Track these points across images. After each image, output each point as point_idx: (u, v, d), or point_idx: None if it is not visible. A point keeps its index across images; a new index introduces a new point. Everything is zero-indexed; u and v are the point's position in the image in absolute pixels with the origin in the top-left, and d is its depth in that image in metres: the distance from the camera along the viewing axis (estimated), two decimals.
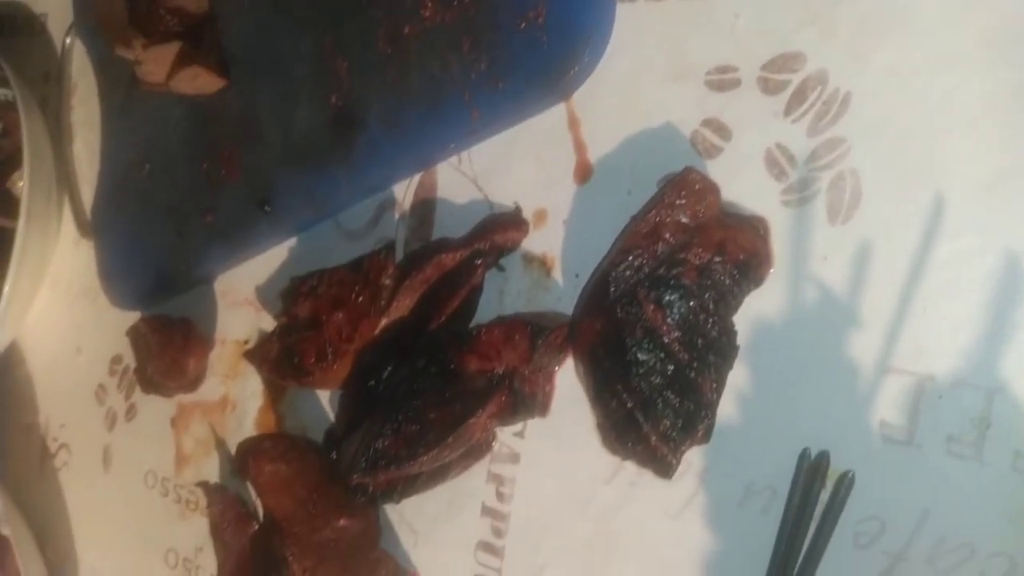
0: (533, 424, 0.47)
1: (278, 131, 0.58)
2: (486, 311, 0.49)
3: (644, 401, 0.39)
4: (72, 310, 0.74)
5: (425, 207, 0.53)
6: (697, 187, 0.40)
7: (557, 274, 0.47)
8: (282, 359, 0.53)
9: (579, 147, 0.47)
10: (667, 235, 0.40)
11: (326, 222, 0.57)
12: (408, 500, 0.49)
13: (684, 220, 0.41)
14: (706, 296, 0.40)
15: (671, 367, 0.39)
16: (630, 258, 0.41)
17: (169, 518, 0.63)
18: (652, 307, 0.40)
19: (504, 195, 0.49)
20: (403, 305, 0.49)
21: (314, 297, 0.52)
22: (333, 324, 0.50)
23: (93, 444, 0.70)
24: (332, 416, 0.56)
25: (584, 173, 0.46)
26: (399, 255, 0.53)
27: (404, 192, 0.54)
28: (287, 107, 0.57)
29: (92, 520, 0.70)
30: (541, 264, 0.47)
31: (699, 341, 0.40)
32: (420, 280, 0.49)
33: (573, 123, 0.47)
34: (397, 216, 0.54)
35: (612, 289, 0.41)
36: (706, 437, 0.40)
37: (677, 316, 0.40)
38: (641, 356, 0.39)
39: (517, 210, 0.48)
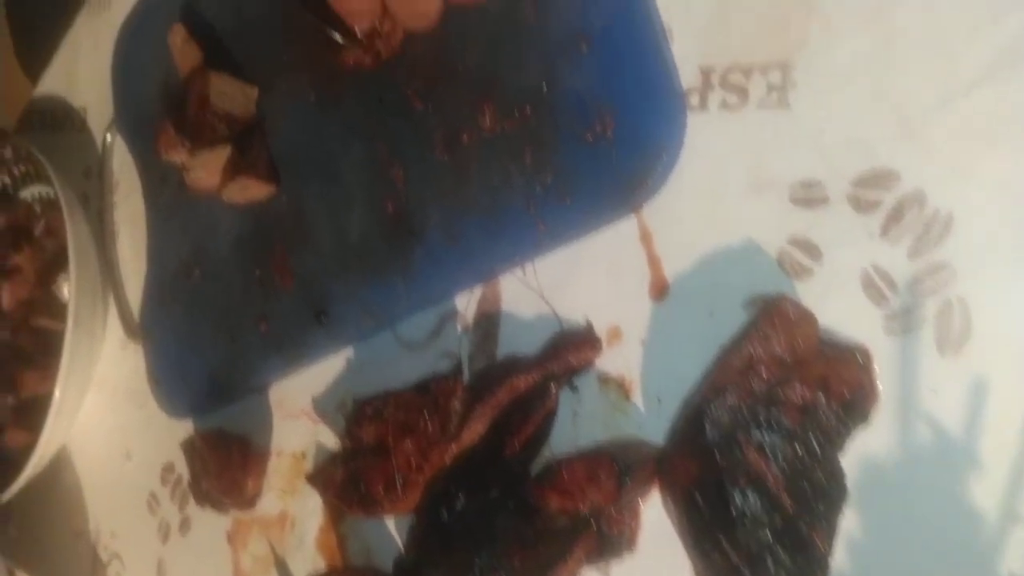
0: (619, 561, 0.45)
1: (332, 238, 0.57)
2: (560, 434, 0.47)
3: (752, 557, 0.37)
4: (120, 414, 0.73)
5: (489, 320, 0.51)
6: (793, 318, 0.39)
7: (637, 398, 0.45)
8: (347, 486, 0.51)
9: (653, 262, 0.45)
10: (763, 371, 0.39)
11: (385, 332, 0.56)
12: None
13: (780, 354, 0.39)
14: (810, 438, 0.38)
15: (779, 519, 0.37)
16: (725, 395, 0.39)
17: None
18: (754, 453, 0.38)
19: (573, 310, 0.48)
20: (474, 432, 0.48)
21: (379, 421, 0.51)
22: (401, 452, 0.49)
23: (147, 556, 0.69)
24: (398, 539, 0.54)
25: (660, 290, 0.45)
26: (463, 368, 0.52)
27: (466, 303, 0.52)
28: (340, 213, 0.57)
29: None
30: (619, 386, 0.46)
31: (806, 487, 0.38)
32: (492, 405, 0.47)
33: (645, 236, 0.45)
34: (460, 328, 0.53)
35: (708, 430, 0.39)
36: None
37: (782, 461, 0.38)
38: (746, 508, 0.38)
39: (589, 327, 0.47)
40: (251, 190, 0.60)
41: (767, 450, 0.38)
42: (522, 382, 0.47)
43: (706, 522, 0.39)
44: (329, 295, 0.57)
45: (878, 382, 0.38)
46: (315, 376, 0.59)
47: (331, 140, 0.58)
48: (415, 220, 0.53)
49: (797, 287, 0.41)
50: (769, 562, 0.37)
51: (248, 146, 0.61)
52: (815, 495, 0.38)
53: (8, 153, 0.79)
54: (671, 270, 0.45)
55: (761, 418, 0.38)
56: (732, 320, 0.42)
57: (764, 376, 0.39)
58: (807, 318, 0.39)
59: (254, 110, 0.62)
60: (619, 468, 0.42)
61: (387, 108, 0.55)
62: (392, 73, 0.55)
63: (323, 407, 0.59)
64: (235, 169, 0.59)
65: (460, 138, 0.51)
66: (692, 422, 0.40)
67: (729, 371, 0.39)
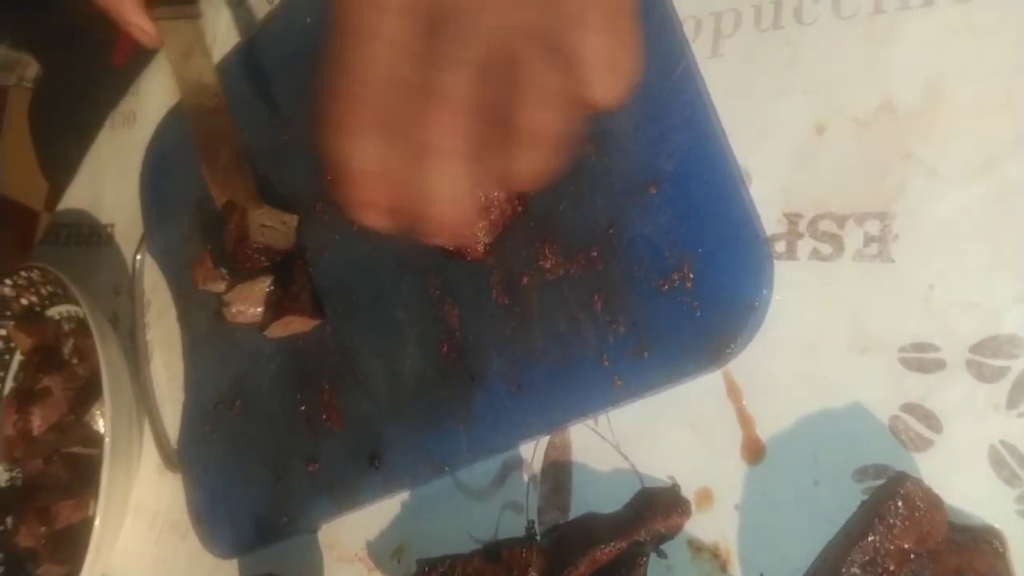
0: None
1: (383, 377, 0.52)
2: None
3: None
4: (159, 545, 0.68)
5: (559, 471, 0.47)
6: (920, 505, 0.34)
7: (735, 570, 0.40)
8: None
9: (744, 421, 0.40)
10: (891, 566, 0.34)
11: (444, 477, 0.51)
12: None
13: (907, 545, 0.34)
14: None
15: None
16: None
17: None
18: None
19: (654, 466, 0.43)
20: None
21: None
22: None
23: None
24: None
25: (755, 452, 0.40)
26: (535, 527, 0.47)
27: (532, 450, 0.48)
28: (391, 352, 0.52)
29: None
30: (713, 556, 0.41)
31: None
32: None
33: (733, 392, 0.41)
34: (526, 478, 0.48)
35: None
36: None
37: None
38: None
39: (675, 488, 0.42)
40: (294, 325, 0.56)
41: None
42: (605, 555, 0.42)
43: None
44: (383, 438, 0.52)
45: (1015, 569, 0.33)
46: (368, 518, 0.54)
47: (379, 272, 0.53)
48: (474, 364, 0.48)
49: (916, 459, 0.36)
50: None
51: (290, 278, 0.56)
52: None
53: (35, 274, 0.74)
54: (766, 430, 0.40)
55: None
56: (841, 491, 0.37)
57: (891, 571, 0.34)
58: (935, 504, 0.34)
59: (295, 239, 0.58)
60: None
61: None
62: None
63: (378, 553, 0.54)
64: (278, 308, 0.55)
65: (520, 280, 0.47)
66: None
67: (853, 565, 0.34)
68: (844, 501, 0.37)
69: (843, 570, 0.34)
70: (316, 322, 0.56)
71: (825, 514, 0.37)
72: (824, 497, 0.38)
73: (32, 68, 1.04)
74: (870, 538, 0.34)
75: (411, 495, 0.53)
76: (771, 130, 0.40)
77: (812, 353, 0.39)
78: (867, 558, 0.34)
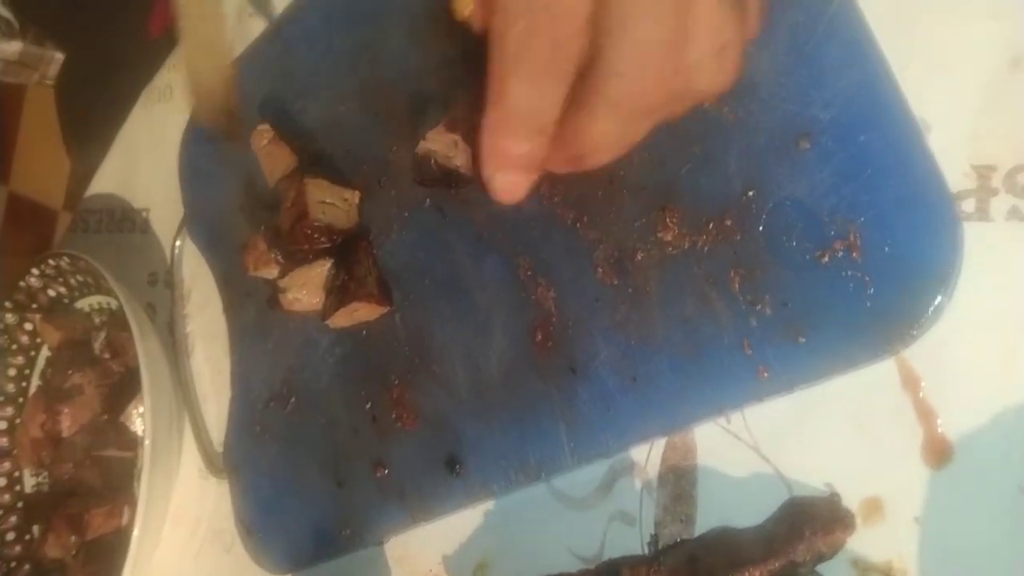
0: None
1: (464, 371, 0.45)
2: None
3: None
4: (201, 558, 0.61)
5: (681, 478, 0.39)
6: None
7: None
8: None
9: (924, 416, 0.33)
10: None
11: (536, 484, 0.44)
12: None
13: None
14: None
15: None
16: None
17: None
18: None
19: (805, 471, 0.36)
20: None
21: None
22: None
23: None
24: None
25: (939, 454, 0.33)
26: (648, 530, 0.40)
27: (647, 452, 0.40)
28: (472, 341, 0.45)
29: None
30: None
31: None
32: None
33: (910, 382, 0.34)
34: (639, 485, 0.40)
35: None
36: None
37: None
38: None
39: (835, 499, 0.35)
40: (360, 312, 0.48)
41: None
42: None
43: None
44: (464, 440, 0.45)
45: None
46: (445, 530, 0.47)
47: (456, 252, 0.46)
48: (576, 354, 0.41)
49: None
50: None
51: (354, 260, 0.49)
52: None
53: (64, 263, 0.67)
54: (952, 427, 0.33)
55: None
56: None
57: None
58: None
59: (357, 218, 0.50)
60: None
61: (527, 217, 0.43)
62: None
63: (457, 570, 0.47)
64: (342, 294, 0.47)
65: (632, 256, 0.39)
66: None
67: None
68: None
69: None
70: (384, 309, 0.48)
71: None
72: None
73: (55, 65, 0.97)
74: None
75: (497, 503, 0.45)
76: (952, 67, 0.33)
77: (1011, 333, 0.32)
78: None
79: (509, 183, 0.31)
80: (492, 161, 0.31)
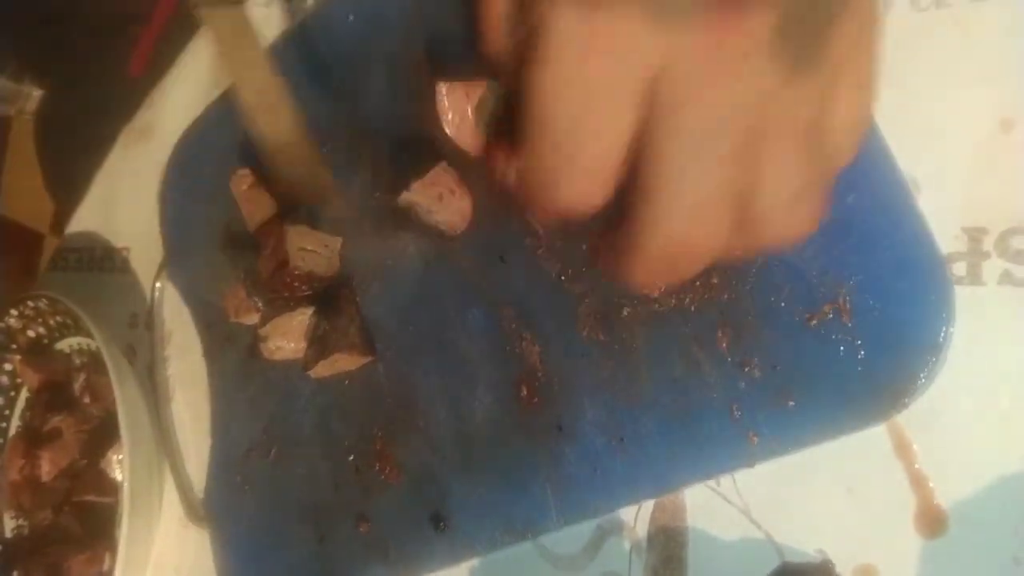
0: None
1: (448, 425, 0.44)
2: None
3: None
4: None
5: (671, 539, 0.38)
6: None
7: None
8: None
9: (917, 483, 0.32)
10: None
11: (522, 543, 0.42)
12: None
13: None
14: None
15: None
16: None
17: None
18: None
19: (796, 537, 0.34)
20: None
21: None
22: None
23: None
24: None
25: (933, 523, 0.31)
26: None
27: (636, 513, 0.39)
28: (457, 395, 0.43)
29: None
30: None
31: None
32: None
33: (903, 450, 0.32)
34: (627, 545, 0.39)
35: None
36: None
37: None
38: None
39: (828, 565, 0.33)
40: (342, 362, 0.47)
41: None
42: None
43: None
44: (449, 496, 0.43)
45: None
46: None
47: (440, 302, 0.45)
48: (562, 412, 0.40)
49: None
50: None
51: (335, 309, 0.48)
52: None
53: (43, 304, 0.65)
54: (947, 496, 0.31)
55: None
56: None
57: None
58: None
59: (338, 265, 0.49)
60: None
61: (512, 268, 0.42)
62: (516, 228, 0.42)
63: None
64: (323, 345, 0.46)
65: (618, 312, 0.38)
66: None
67: None
68: None
69: None
70: (367, 359, 0.47)
71: None
72: None
73: (32, 101, 0.96)
74: None
75: (481, 561, 0.44)
76: (943, 129, 0.32)
77: (1004, 399, 0.30)
78: None
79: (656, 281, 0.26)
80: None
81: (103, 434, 0.62)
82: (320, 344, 0.46)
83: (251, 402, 0.54)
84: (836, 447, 0.33)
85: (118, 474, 0.61)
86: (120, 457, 0.58)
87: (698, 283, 0.36)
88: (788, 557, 0.34)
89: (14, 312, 0.66)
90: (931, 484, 0.32)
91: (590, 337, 0.39)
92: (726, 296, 0.35)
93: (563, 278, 0.40)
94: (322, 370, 0.47)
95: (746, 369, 0.34)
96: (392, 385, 0.46)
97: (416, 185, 0.43)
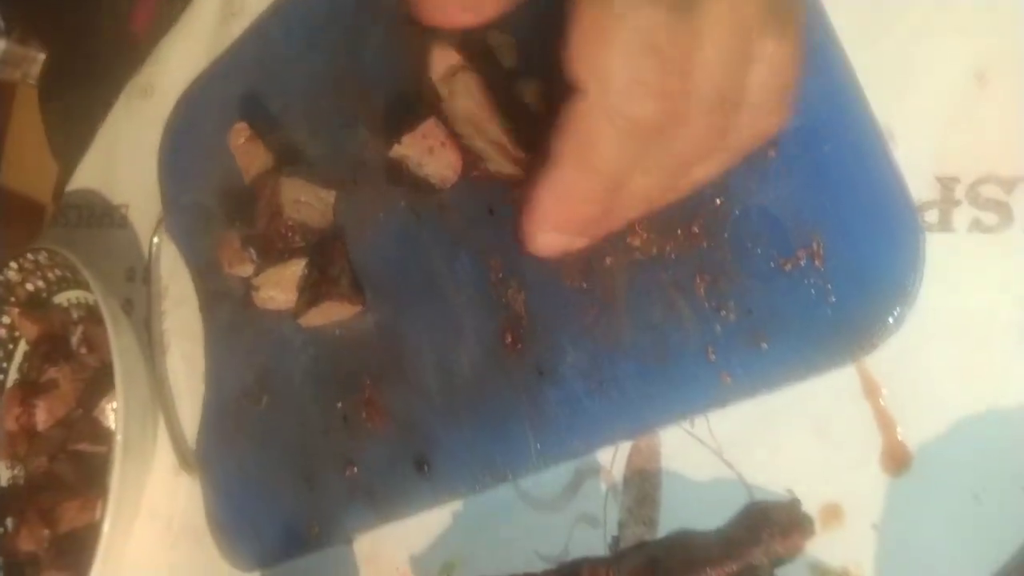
0: None
1: (434, 372, 0.44)
2: None
3: None
4: (174, 551, 0.59)
5: (646, 480, 0.38)
6: None
7: None
8: None
9: (884, 424, 0.33)
10: None
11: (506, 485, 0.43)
12: None
13: None
14: None
15: None
16: None
17: None
18: None
19: (766, 477, 0.35)
20: None
21: None
22: None
23: None
24: None
25: (897, 461, 0.32)
26: (611, 532, 0.39)
27: (613, 456, 0.40)
28: (444, 342, 0.44)
29: None
30: None
31: None
32: None
33: (871, 390, 0.33)
34: (604, 487, 0.40)
35: None
36: None
37: None
38: None
39: (795, 504, 0.34)
40: (333, 311, 0.47)
41: None
42: None
43: None
44: (433, 440, 0.44)
45: None
46: (413, 530, 0.46)
47: (430, 253, 0.45)
48: (544, 357, 0.40)
49: None
50: None
51: (328, 260, 0.48)
52: None
53: (41, 257, 0.66)
54: (912, 435, 0.32)
55: None
56: (1011, 507, 0.29)
57: None
58: None
59: (332, 218, 0.49)
60: None
61: (500, 220, 0.43)
62: (502, 180, 0.42)
63: (424, 569, 0.46)
64: (315, 293, 0.46)
65: (601, 260, 0.39)
66: None
67: None
68: (1015, 519, 0.29)
69: None
70: (357, 309, 0.47)
71: (990, 534, 0.30)
72: (988, 514, 0.30)
73: (37, 65, 0.96)
74: None
75: (464, 504, 0.44)
76: (918, 79, 0.33)
77: (971, 342, 0.31)
78: None
79: (553, 242, 0.28)
80: (543, 221, 0.27)
81: (99, 384, 0.63)
82: (311, 293, 0.47)
83: (244, 353, 0.54)
84: (806, 389, 0.34)
85: (112, 423, 0.62)
86: (115, 406, 0.59)
87: (679, 232, 0.37)
88: (757, 496, 0.35)
89: (13, 265, 0.67)
90: (897, 424, 0.32)
91: (573, 285, 0.40)
92: (705, 244, 0.36)
93: None
94: (313, 318, 0.47)
95: (722, 313, 0.35)
96: (381, 335, 0.47)
97: (407, 138, 0.43)
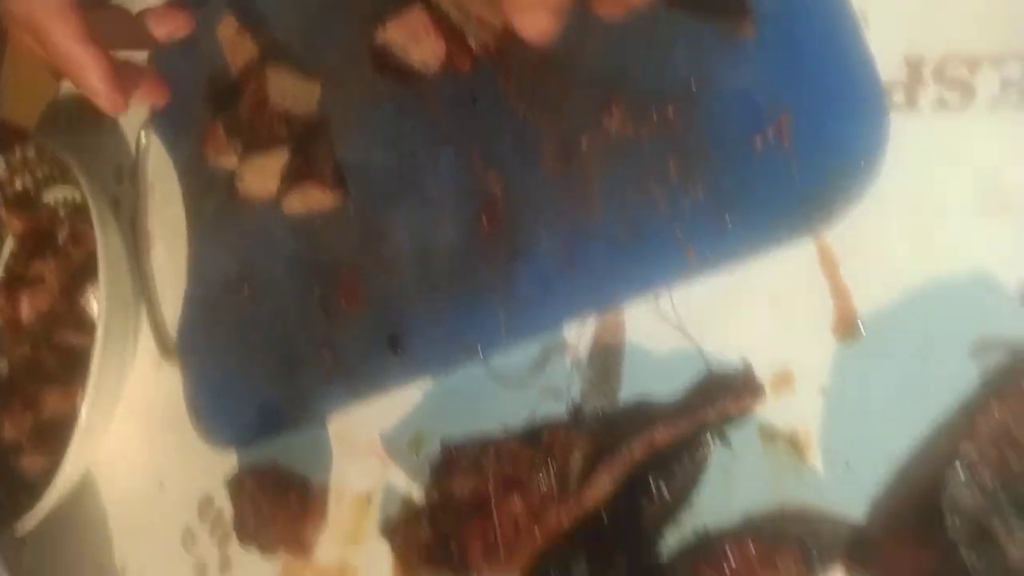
0: None
1: (411, 257, 0.45)
2: (708, 498, 0.36)
3: None
4: (153, 440, 0.60)
5: (609, 355, 0.40)
6: None
7: (815, 458, 0.33)
8: (436, 548, 0.39)
9: (839, 293, 0.34)
10: (1022, 440, 0.27)
11: (475, 364, 0.44)
12: None
13: None
14: None
15: None
16: (969, 472, 0.27)
17: None
18: (1016, 545, 0.26)
19: (724, 347, 0.36)
20: (599, 491, 0.36)
21: (478, 473, 0.39)
22: (506, 511, 0.37)
23: None
24: None
25: (848, 328, 0.33)
26: (570, 403, 0.40)
27: (578, 332, 0.41)
28: (422, 229, 0.45)
29: None
30: (790, 444, 0.34)
31: None
32: (624, 461, 0.35)
33: (828, 262, 0.34)
34: (569, 362, 0.41)
35: (949, 518, 0.27)
36: None
37: None
38: None
39: (748, 369, 0.35)
40: (314, 199, 0.48)
41: None
42: (663, 436, 0.35)
43: None
44: (407, 320, 0.45)
45: None
46: (384, 407, 0.47)
47: (412, 143, 0.46)
48: (519, 239, 0.41)
49: None
50: None
51: (311, 150, 0.48)
52: None
53: (31, 153, 0.66)
54: (865, 303, 0.33)
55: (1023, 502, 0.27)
56: (953, 369, 0.31)
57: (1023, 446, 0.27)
58: None
59: (316, 108, 0.50)
60: (807, 555, 0.31)
61: (482, 109, 0.43)
62: (487, 69, 0.43)
63: (394, 445, 0.47)
64: (296, 175, 0.47)
65: (577, 145, 0.39)
66: (921, 505, 0.29)
67: (974, 438, 0.28)
68: (957, 381, 0.30)
69: (963, 449, 0.28)
70: (338, 197, 0.48)
71: (932, 395, 0.31)
72: (932, 375, 0.31)
73: None
74: (997, 411, 0.27)
75: (435, 383, 0.45)
76: None
77: (930, 216, 0.32)
78: (993, 430, 0.27)
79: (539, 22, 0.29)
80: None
81: (83, 275, 0.63)
82: (294, 177, 0.47)
83: (227, 245, 0.55)
84: (767, 263, 0.35)
85: (95, 315, 0.62)
86: (97, 296, 0.59)
87: (654, 116, 0.37)
88: (715, 367, 0.36)
89: (2, 162, 0.67)
90: (851, 294, 0.33)
91: (551, 169, 0.40)
92: (679, 126, 0.36)
93: (529, 116, 0.41)
94: (295, 203, 0.48)
95: (691, 192, 0.36)
96: (362, 223, 0.47)
97: (392, 24, 0.43)
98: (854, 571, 0.31)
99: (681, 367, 0.37)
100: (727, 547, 0.32)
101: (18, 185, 0.68)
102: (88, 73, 0.36)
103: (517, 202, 0.41)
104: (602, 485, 0.36)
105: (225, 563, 0.54)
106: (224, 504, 0.53)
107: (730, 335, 0.36)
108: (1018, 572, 0.26)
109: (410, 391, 0.46)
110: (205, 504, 0.56)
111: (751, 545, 0.31)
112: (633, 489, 0.35)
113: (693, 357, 0.37)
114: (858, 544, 0.31)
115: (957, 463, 0.27)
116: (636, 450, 0.35)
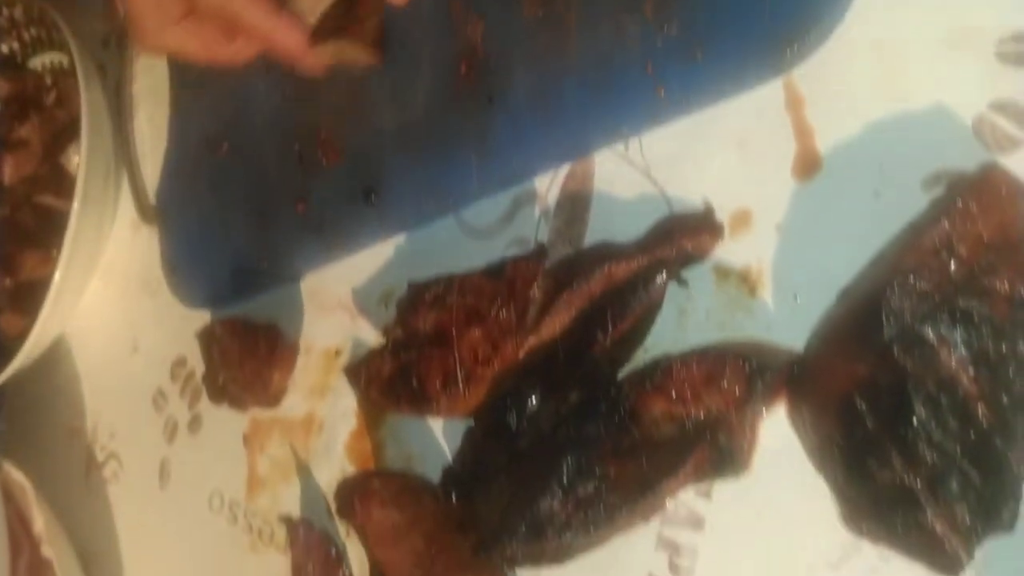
0: (724, 482, 0.34)
1: (390, 107, 0.45)
2: (661, 334, 0.36)
3: (932, 476, 0.27)
4: (128, 303, 0.61)
5: (576, 203, 0.40)
6: (1004, 192, 0.28)
7: (765, 294, 0.34)
8: (396, 381, 0.40)
9: (802, 133, 0.34)
10: (963, 252, 0.28)
11: (445, 215, 0.44)
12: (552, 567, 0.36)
13: (985, 234, 0.28)
14: (1019, 337, 0.27)
15: (972, 432, 0.27)
16: (910, 280, 0.28)
17: (237, 549, 0.51)
18: (947, 351, 0.27)
19: (687, 190, 0.37)
20: (557, 323, 0.37)
21: (441, 307, 0.39)
22: (467, 342, 0.38)
23: (149, 456, 0.57)
24: (445, 448, 0.43)
25: (808, 166, 0.34)
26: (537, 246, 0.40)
27: (548, 183, 0.41)
28: (402, 78, 0.45)
29: (145, 543, 0.57)
30: (742, 280, 0.35)
31: (1004, 397, 0.27)
32: (582, 295, 0.36)
33: (794, 102, 0.34)
34: (538, 212, 0.41)
35: (887, 322, 0.28)
36: (1010, 525, 0.27)
37: (980, 364, 0.27)
38: (932, 417, 0.27)
39: (708, 209, 0.36)
40: (347, 54, 0.45)
41: (963, 349, 0.27)
42: (621, 270, 0.35)
43: (868, 432, 0.28)
44: (383, 171, 0.45)
45: None
46: (356, 265, 0.47)
47: None
48: (495, 84, 0.41)
49: (1000, 161, 0.30)
50: (954, 483, 0.27)
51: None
52: (1014, 406, 0.27)
53: (18, 14, 0.65)
54: (826, 142, 0.33)
55: (958, 310, 0.28)
56: (905, 201, 0.31)
57: (964, 258, 0.28)
58: (1020, 193, 0.28)
59: None
60: (751, 369, 0.31)
61: None
62: None
63: (364, 300, 0.47)
64: (339, 23, 0.43)
65: None
66: (862, 313, 0.29)
67: (917, 252, 0.28)
68: (908, 211, 0.31)
69: (906, 260, 0.28)
70: (374, 60, 0.45)
71: (883, 226, 0.31)
72: (885, 208, 0.31)
73: None
74: (941, 222, 0.28)
75: (407, 238, 0.46)
76: None
77: (893, 52, 0.32)
78: (935, 244, 0.28)
79: None
80: None
81: (67, 136, 0.63)
82: (335, 26, 0.44)
83: (208, 104, 0.55)
84: (734, 106, 0.35)
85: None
86: (79, 158, 0.59)
87: None
88: (677, 210, 0.37)
89: None
90: (815, 133, 0.34)
91: (530, 14, 0.40)
92: None
93: None
94: (324, 55, 0.45)
95: (664, 27, 0.36)
96: (340, 76, 0.47)
97: None
98: (793, 390, 0.32)
99: (646, 213, 0.37)
100: (672, 367, 0.32)
101: (4, 48, 0.67)
102: (289, 43, 0.38)
103: (495, 47, 0.41)
104: (560, 317, 0.36)
105: (195, 421, 0.55)
106: (196, 364, 0.54)
107: (695, 179, 0.36)
108: (946, 370, 0.27)
109: (382, 248, 0.46)
110: (178, 365, 0.57)
111: (695, 365, 0.32)
112: (590, 324, 0.36)
113: (659, 202, 0.37)
114: (798, 364, 0.32)
115: (897, 274, 0.28)
116: (594, 284, 0.36)
